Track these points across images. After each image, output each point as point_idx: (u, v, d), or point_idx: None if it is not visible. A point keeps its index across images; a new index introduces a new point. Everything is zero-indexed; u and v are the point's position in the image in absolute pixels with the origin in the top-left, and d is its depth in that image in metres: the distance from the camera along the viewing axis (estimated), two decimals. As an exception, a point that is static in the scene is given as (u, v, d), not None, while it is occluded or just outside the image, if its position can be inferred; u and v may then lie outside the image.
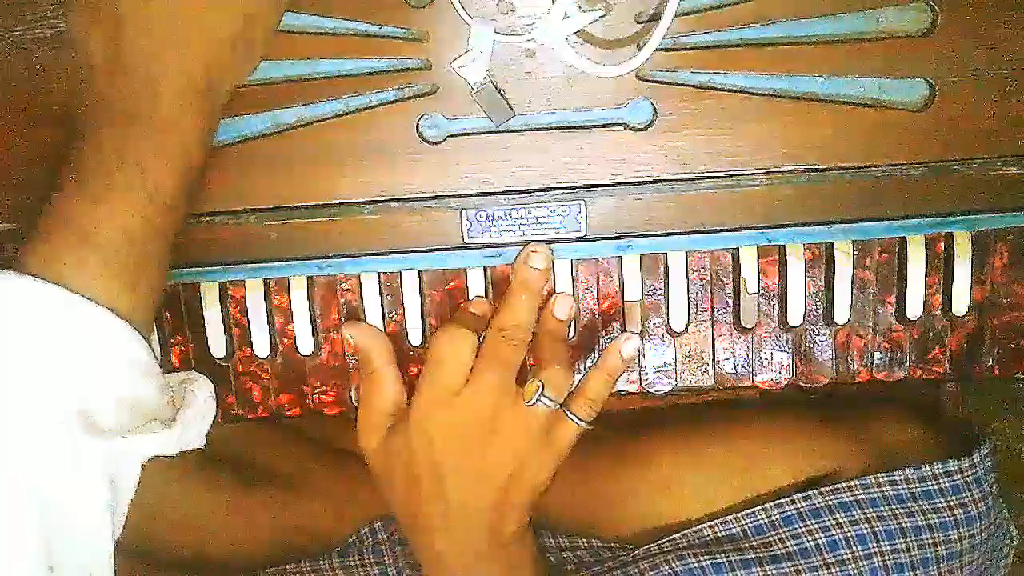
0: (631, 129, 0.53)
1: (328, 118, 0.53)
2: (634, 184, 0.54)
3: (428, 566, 0.57)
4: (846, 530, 0.62)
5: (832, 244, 0.55)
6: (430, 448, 0.53)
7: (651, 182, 0.54)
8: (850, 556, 0.61)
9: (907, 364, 0.57)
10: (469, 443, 0.53)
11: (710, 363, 0.57)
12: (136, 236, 0.45)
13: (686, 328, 0.57)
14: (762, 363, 0.57)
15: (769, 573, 0.61)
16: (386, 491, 0.57)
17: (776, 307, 0.56)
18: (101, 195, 0.44)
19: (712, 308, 0.56)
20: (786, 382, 0.57)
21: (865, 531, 0.62)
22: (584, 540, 0.69)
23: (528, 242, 0.55)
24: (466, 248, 0.55)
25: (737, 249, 0.55)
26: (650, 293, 0.56)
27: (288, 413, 0.58)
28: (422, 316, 0.57)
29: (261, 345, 0.57)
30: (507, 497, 0.54)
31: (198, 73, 0.46)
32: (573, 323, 0.57)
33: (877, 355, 0.57)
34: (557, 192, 0.54)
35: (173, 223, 0.47)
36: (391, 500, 0.57)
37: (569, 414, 0.54)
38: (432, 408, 0.53)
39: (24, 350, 0.42)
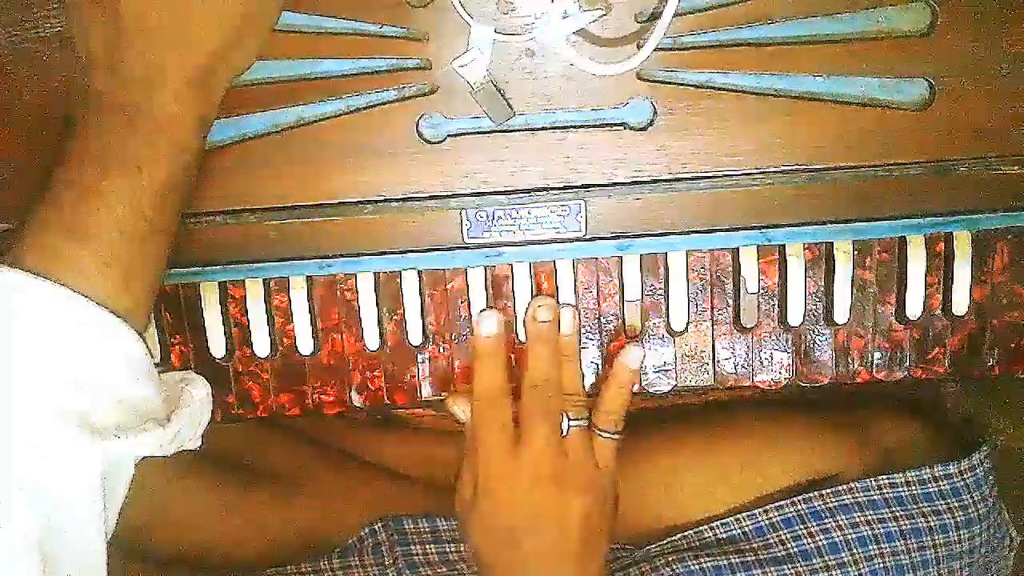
0: (631, 129, 0.53)
1: (328, 118, 0.53)
2: (634, 184, 0.54)
3: None
4: (847, 532, 0.62)
5: (832, 244, 0.55)
6: (501, 515, 0.55)
7: (651, 182, 0.54)
8: (850, 558, 0.61)
9: (907, 364, 0.57)
10: (539, 500, 0.54)
11: (710, 363, 0.57)
12: (132, 233, 0.45)
13: (686, 328, 0.57)
14: (762, 363, 0.57)
15: (770, 575, 0.61)
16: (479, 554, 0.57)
17: (776, 307, 0.56)
18: (97, 191, 0.44)
19: (712, 308, 0.56)
20: (786, 382, 0.57)
21: (865, 533, 0.62)
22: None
23: (528, 242, 0.55)
24: (466, 248, 0.55)
25: (737, 249, 0.55)
26: (650, 293, 0.56)
27: (288, 413, 0.58)
28: (422, 316, 0.57)
29: (261, 345, 0.57)
30: (585, 537, 0.55)
31: (196, 68, 0.46)
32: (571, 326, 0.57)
33: (877, 355, 0.57)
34: (557, 192, 0.54)
35: (170, 220, 0.47)
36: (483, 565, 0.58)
37: (598, 432, 0.55)
38: (497, 475, 0.54)
39: (18, 347, 0.42)
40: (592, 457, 0.55)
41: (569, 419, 0.54)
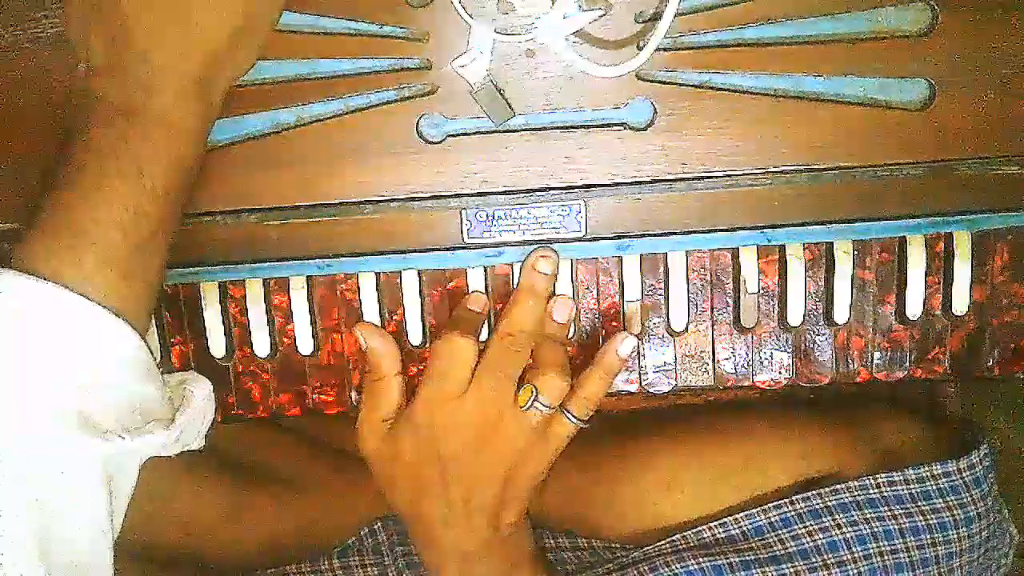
0: (631, 129, 0.53)
1: (328, 118, 0.53)
2: (634, 184, 0.54)
3: (430, 559, 0.59)
4: (846, 531, 0.62)
5: (832, 244, 0.55)
6: (432, 447, 0.54)
7: (651, 182, 0.54)
8: (850, 557, 0.61)
9: (907, 364, 0.57)
10: (470, 442, 0.54)
11: (710, 363, 0.57)
12: (133, 233, 0.45)
13: (686, 328, 0.57)
14: (762, 363, 0.57)
15: (769, 574, 0.61)
16: (387, 489, 0.58)
17: (776, 307, 0.56)
18: (98, 192, 0.44)
19: (712, 308, 0.56)
20: (786, 382, 0.57)
21: (865, 532, 0.62)
22: (584, 540, 0.69)
23: (528, 242, 0.55)
24: (466, 248, 0.55)
25: (737, 249, 0.55)
26: (650, 293, 0.56)
27: (288, 413, 0.58)
28: (422, 316, 0.57)
29: (261, 345, 0.57)
30: (506, 490, 0.56)
31: (196, 70, 0.46)
32: (573, 323, 0.57)
33: (877, 355, 0.57)
34: (557, 192, 0.54)
35: (170, 220, 0.47)
36: (393, 498, 0.58)
37: (565, 413, 0.55)
38: (435, 410, 0.54)
39: (21, 349, 0.42)
40: (543, 433, 0.54)
41: (537, 397, 0.53)
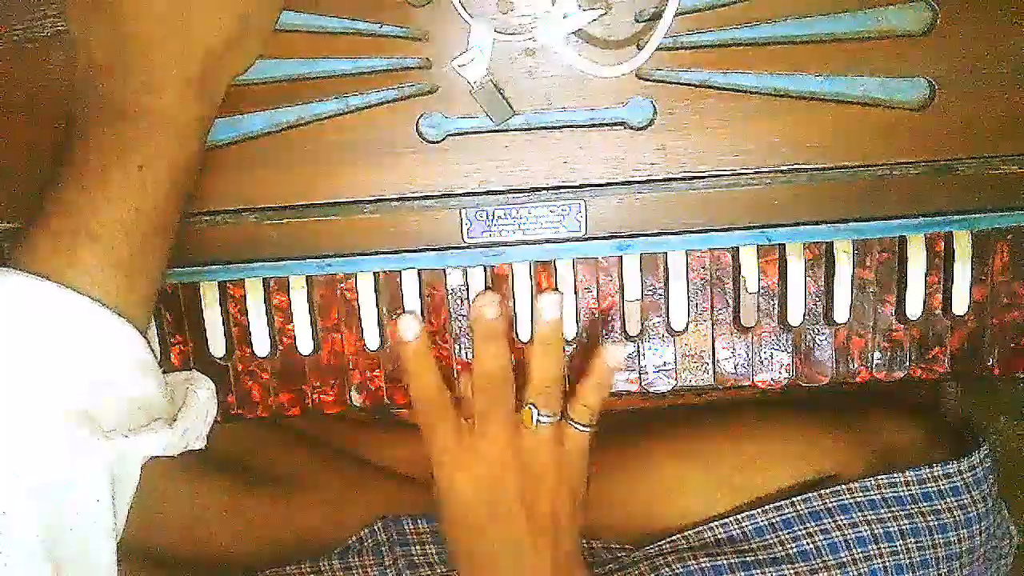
0: (631, 129, 0.53)
1: (328, 118, 0.53)
2: (634, 184, 0.54)
3: None
4: (846, 532, 0.62)
5: (832, 244, 0.55)
6: (463, 504, 0.56)
7: (651, 182, 0.54)
8: (850, 558, 0.61)
9: (907, 364, 0.57)
10: (498, 488, 0.55)
11: (710, 363, 0.57)
12: (134, 232, 0.45)
13: (686, 328, 0.57)
14: (762, 363, 0.57)
15: (769, 575, 0.61)
16: (450, 527, 0.58)
17: (776, 307, 0.56)
18: (98, 191, 0.44)
19: (712, 308, 0.56)
20: (786, 382, 0.57)
21: (865, 533, 0.62)
22: (584, 540, 0.69)
23: (527, 242, 0.55)
24: (466, 248, 0.55)
25: (737, 249, 0.55)
26: (650, 293, 0.56)
27: (288, 413, 0.58)
28: (422, 316, 0.57)
29: (261, 345, 0.57)
30: (554, 522, 0.56)
31: (196, 68, 0.46)
32: (575, 323, 0.57)
33: (877, 355, 0.57)
34: (557, 192, 0.54)
35: (171, 219, 0.47)
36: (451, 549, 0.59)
37: (571, 423, 0.55)
38: (452, 472, 0.55)
39: (23, 349, 0.42)
40: (559, 447, 0.55)
41: (538, 413, 0.54)
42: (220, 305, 0.56)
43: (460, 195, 0.54)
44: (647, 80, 0.52)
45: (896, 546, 0.62)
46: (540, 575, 0.56)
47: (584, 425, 0.55)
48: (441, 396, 0.55)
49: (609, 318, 0.57)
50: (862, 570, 0.61)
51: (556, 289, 0.56)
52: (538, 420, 0.54)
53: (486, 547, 0.56)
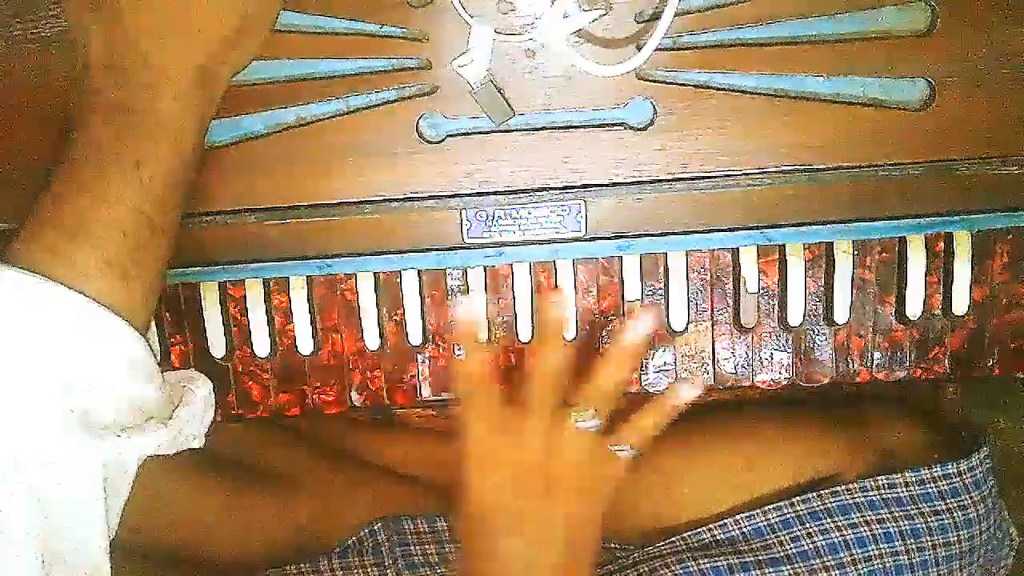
0: (631, 129, 0.53)
1: (328, 118, 0.53)
2: (634, 184, 0.54)
3: None
4: (845, 533, 0.62)
5: (832, 244, 0.55)
6: (487, 508, 0.51)
7: (651, 182, 0.54)
8: (849, 559, 0.61)
9: (907, 364, 0.57)
10: (523, 489, 0.50)
11: (710, 363, 0.57)
12: (132, 231, 0.45)
13: (686, 328, 0.57)
14: (762, 363, 0.57)
15: (769, 576, 0.61)
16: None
17: (776, 307, 0.56)
18: (97, 190, 0.44)
19: (712, 308, 0.56)
20: (786, 382, 0.57)
21: (864, 534, 0.62)
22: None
23: (528, 242, 0.55)
24: (466, 248, 0.55)
25: (737, 249, 0.55)
26: (650, 293, 0.56)
27: (288, 413, 0.58)
28: (422, 316, 0.57)
29: (261, 345, 0.57)
30: (572, 556, 0.51)
31: (195, 67, 0.46)
32: (575, 323, 0.57)
33: (877, 355, 0.57)
34: (557, 192, 0.54)
35: (171, 220, 0.47)
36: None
37: (617, 448, 0.51)
38: (481, 464, 0.51)
39: (16, 345, 0.42)
40: (595, 464, 0.51)
41: (583, 418, 0.50)
42: (220, 305, 0.56)
43: (460, 195, 0.54)
44: (647, 80, 0.52)
45: (896, 547, 0.62)
46: None
47: (629, 449, 0.51)
48: (489, 383, 0.50)
49: (609, 318, 0.57)
50: (862, 571, 0.61)
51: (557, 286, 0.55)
52: (578, 422, 0.49)
53: (503, 548, 0.51)
